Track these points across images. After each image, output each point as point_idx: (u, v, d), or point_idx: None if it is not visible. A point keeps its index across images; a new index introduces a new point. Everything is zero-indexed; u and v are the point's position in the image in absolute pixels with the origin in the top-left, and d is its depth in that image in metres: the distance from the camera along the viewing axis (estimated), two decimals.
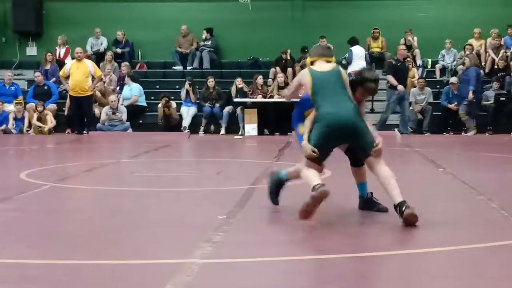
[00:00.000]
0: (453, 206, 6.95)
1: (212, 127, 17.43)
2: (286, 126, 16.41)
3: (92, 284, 4.08)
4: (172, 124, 17.26)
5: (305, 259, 4.73)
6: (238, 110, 16.96)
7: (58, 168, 10.30)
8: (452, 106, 16.86)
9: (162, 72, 19.85)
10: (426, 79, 17.98)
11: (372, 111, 17.84)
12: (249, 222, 5.81)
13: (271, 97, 17.00)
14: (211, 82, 17.51)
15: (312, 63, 6.07)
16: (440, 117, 17.18)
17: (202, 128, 17.29)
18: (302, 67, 15.49)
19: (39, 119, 16.85)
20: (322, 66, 5.99)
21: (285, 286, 4.10)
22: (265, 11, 19.84)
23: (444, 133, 16.81)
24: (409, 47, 18.87)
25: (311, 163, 5.74)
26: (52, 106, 17.43)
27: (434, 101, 17.56)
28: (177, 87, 18.34)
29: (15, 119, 17.15)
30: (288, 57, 18.36)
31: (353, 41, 17.76)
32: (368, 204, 6.19)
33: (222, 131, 17.11)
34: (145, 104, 17.85)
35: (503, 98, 17.05)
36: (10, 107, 17.29)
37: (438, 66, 18.83)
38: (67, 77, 16.55)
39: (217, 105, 17.34)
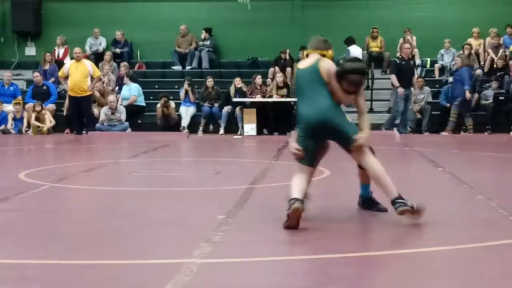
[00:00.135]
0: (453, 205, 6.95)
1: (211, 127, 17.42)
2: (285, 126, 16.43)
3: (91, 285, 4.08)
4: (171, 124, 17.25)
5: (305, 259, 4.73)
6: (237, 110, 16.96)
7: (57, 168, 10.30)
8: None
9: (161, 72, 19.85)
10: (425, 79, 17.98)
11: (371, 110, 17.84)
12: (248, 222, 5.81)
13: (270, 96, 17.00)
14: (210, 82, 17.51)
15: (308, 56, 6.02)
16: (439, 116, 17.18)
17: (201, 128, 17.29)
18: None
19: (37, 119, 16.84)
20: (305, 62, 5.90)
21: (284, 286, 4.09)
22: (264, 10, 19.85)
23: (442, 133, 16.78)
24: None
25: (301, 166, 5.71)
26: (51, 106, 17.42)
27: (433, 100, 17.56)
28: (176, 87, 18.34)
29: (14, 119, 17.14)
30: (287, 57, 18.37)
31: (350, 41, 17.76)
32: (367, 203, 6.19)
33: (221, 131, 17.11)
34: (144, 104, 17.84)
35: (502, 98, 17.06)
36: (9, 107, 17.28)
37: (437, 66, 18.84)
38: (66, 77, 16.54)
39: (216, 105, 17.33)
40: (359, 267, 4.49)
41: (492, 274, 4.28)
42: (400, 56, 16.64)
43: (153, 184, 8.38)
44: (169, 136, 15.88)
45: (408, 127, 16.57)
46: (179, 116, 17.38)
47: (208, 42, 19.69)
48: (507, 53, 18.15)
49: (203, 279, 4.15)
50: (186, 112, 17.37)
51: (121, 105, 17.28)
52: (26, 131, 16.93)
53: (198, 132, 17.18)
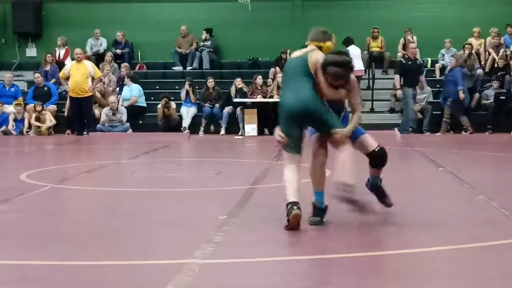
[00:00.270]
0: (454, 205, 6.95)
1: (212, 127, 17.42)
2: None
3: (93, 286, 4.08)
4: (172, 125, 17.26)
5: (306, 259, 4.73)
6: (238, 110, 16.96)
7: (58, 169, 10.30)
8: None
9: (161, 73, 19.84)
10: (426, 79, 17.97)
11: (372, 110, 17.85)
12: (249, 222, 5.81)
13: (271, 97, 16.99)
14: (210, 82, 17.51)
15: (306, 46, 6.00)
16: (440, 116, 17.16)
17: (202, 129, 17.28)
18: None
19: (37, 119, 16.84)
20: (298, 52, 5.88)
21: (285, 286, 4.10)
22: (264, 11, 19.83)
23: (437, 133, 16.76)
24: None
25: (289, 155, 5.69)
26: (52, 107, 17.42)
27: (434, 100, 17.55)
28: (176, 87, 18.34)
29: (15, 120, 17.14)
30: (288, 57, 18.35)
31: (348, 41, 17.72)
32: (375, 190, 6.12)
33: (222, 132, 17.11)
34: (145, 105, 17.84)
35: (503, 97, 17.04)
36: (10, 108, 17.28)
37: (438, 66, 18.82)
38: (67, 78, 16.54)
39: (217, 105, 17.33)
40: (360, 267, 4.50)
41: (492, 274, 4.28)
42: (406, 56, 16.61)
43: (154, 185, 8.39)
44: (170, 137, 15.89)
45: (409, 127, 16.55)
46: (180, 116, 17.38)
47: (208, 43, 19.69)
48: (508, 52, 18.15)
49: (205, 280, 4.16)
50: (187, 113, 17.37)
51: (122, 105, 17.29)
52: (27, 132, 16.94)
53: (199, 133, 17.17)
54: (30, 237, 5.36)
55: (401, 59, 16.77)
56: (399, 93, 16.32)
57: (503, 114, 16.95)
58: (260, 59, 19.64)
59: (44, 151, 14.17)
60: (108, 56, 18.94)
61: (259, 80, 17.28)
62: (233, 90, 17.44)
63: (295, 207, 5.36)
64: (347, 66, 5.67)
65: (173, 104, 17.31)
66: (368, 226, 5.80)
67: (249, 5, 19.44)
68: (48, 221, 6.07)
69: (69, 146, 14.74)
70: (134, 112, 17.43)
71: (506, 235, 5.29)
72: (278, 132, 5.71)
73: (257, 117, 16.56)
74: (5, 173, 9.79)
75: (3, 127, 16.90)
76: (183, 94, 17.53)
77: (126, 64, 18.76)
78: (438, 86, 18.21)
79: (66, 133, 16.91)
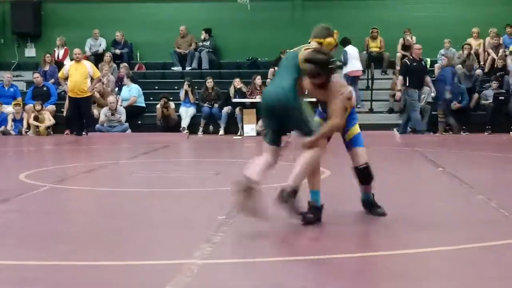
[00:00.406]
0: (452, 205, 6.95)
1: (211, 127, 17.42)
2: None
3: (92, 286, 4.08)
4: (171, 125, 17.26)
5: (305, 259, 4.73)
6: (237, 110, 16.96)
7: (57, 169, 10.30)
8: (451, 105, 16.85)
9: (161, 73, 19.84)
10: None
11: (371, 110, 17.86)
12: (248, 222, 5.80)
13: None
14: (209, 82, 17.51)
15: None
16: (439, 116, 17.16)
17: (201, 129, 17.29)
18: None
19: (36, 119, 16.83)
20: (296, 48, 5.84)
21: (284, 286, 4.10)
22: (263, 11, 19.84)
23: (443, 133, 16.77)
24: (408, 47, 18.86)
25: (264, 145, 5.74)
26: (51, 107, 17.42)
27: (433, 100, 17.54)
28: (176, 87, 18.34)
29: (13, 120, 17.13)
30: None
31: (346, 42, 17.72)
32: (369, 207, 6.11)
33: (221, 132, 17.11)
34: (144, 105, 17.84)
35: (502, 98, 17.06)
36: (8, 109, 17.28)
37: (437, 66, 18.80)
38: (66, 78, 16.54)
39: (216, 105, 17.34)
40: (359, 268, 4.50)
41: (491, 274, 4.28)
42: (411, 57, 16.61)
43: (153, 185, 8.39)
44: (169, 137, 15.89)
45: (408, 128, 16.56)
46: (179, 116, 17.38)
47: (207, 43, 19.69)
48: (507, 53, 18.15)
49: (204, 280, 4.16)
50: (186, 113, 17.38)
51: (121, 106, 17.29)
52: (26, 132, 16.94)
53: (198, 133, 17.18)
54: (30, 237, 5.37)
55: (406, 60, 16.75)
56: (398, 94, 16.35)
57: (502, 114, 16.95)
58: (259, 59, 19.64)
59: (43, 151, 14.17)
60: (107, 56, 18.94)
61: (258, 80, 17.28)
62: (232, 90, 17.45)
63: (241, 181, 5.46)
64: (321, 64, 5.55)
65: (172, 104, 17.31)
66: (367, 227, 5.81)
67: (248, 5, 19.44)
68: (47, 221, 6.07)
69: (68, 146, 14.74)
70: (133, 112, 17.43)
71: (505, 235, 5.29)
72: (260, 123, 5.79)
73: (256, 117, 16.57)
74: (4, 173, 9.79)
75: (2, 127, 16.89)
76: (182, 94, 17.53)
77: (125, 64, 18.76)
78: None
79: (65, 133, 16.91)
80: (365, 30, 19.04)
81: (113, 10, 20.37)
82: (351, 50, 17.55)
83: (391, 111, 17.86)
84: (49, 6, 20.58)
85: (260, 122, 5.88)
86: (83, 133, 16.41)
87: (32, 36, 20.70)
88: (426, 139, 15.51)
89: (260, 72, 18.13)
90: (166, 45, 19.67)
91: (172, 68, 19.77)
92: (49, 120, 16.96)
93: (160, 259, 4.59)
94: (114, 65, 18.98)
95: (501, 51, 18.23)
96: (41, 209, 6.67)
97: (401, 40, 18.88)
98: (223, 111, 17.19)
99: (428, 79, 16.66)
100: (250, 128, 16.56)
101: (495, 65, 17.99)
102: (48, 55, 18.98)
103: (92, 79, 16.44)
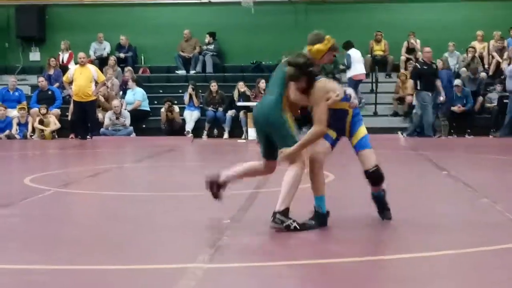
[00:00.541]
0: (457, 208, 6.94)
1: (215, 131, 17.43)
2: None
3: None
4: (175, 129, 17.27)
5: (310, 263, 4.72)
6: (241, 114, 16.96)
7: (61, 173, 10.31)
8: (455, 108, 16.83)
9: (165, 77, 19.87)
10: None
11: (375, 114, 17.83)
12: (253, 226, 5.80)
13: None
14: (214, 86, 17.53)
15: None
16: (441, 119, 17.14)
17: (205, 132, 17.29)
18: None
19: (41, 122, 16.86)
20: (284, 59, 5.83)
21: None
22: (267, 15, 19.84)
23: (449, 136, 16.73)
24: (412, 50, 18.87)
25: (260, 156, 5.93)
26: (56, 111, 17.45)
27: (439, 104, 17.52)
28: (180, 91, 18.36)
29: (18, 124, 17.16)
30: None
31: (349, 45, 17.70)
32: (379, 202, 6.03)
33: (225, 135, 17.12)
34: (148, 109, 17.87)
35: (507, 100, 17.02)
36: (13, 113, 17.31)
37: None
38: (71, 82, 16.56)
39: (220, 109, 17.35)
40: (363, 271, 4.49)
41: (496, 278, 4.27)
42: (422, 60, 16.58)
43: (157, 189, 8.39)
44: (174, 141, 15.90)
45: (416, 130, 16.48)
46: (183, 120, 17.40)
47: (212, 47, 19.71)
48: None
49: (208, 285, 4.15)
50: (190, 117, 17.39)
51: (125, 109, 17.31)
52: (31, 136, 16.96)
53: (202, 137, 17.19)
54: (34, 241, 5.37)
55: (416, 63, 16.71)
56: (409, 98, 16.23)
57: None
58: (263, 62, 19.64)
59: (48, 155, 14.18)
60: (112, 60, 18.97)
61: (262, 84, 17.27)
62: (236, 93, 17.45)
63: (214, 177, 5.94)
64: (301, 66, 5.52)
65: (176, 108, 17.33)
66: (371, 230, 5.80)
67: (252, 9, 19.45)
68: (52, 225, 6.08)
69: (72, 150, 14.75)
70: (138, 116, 17.45)
71: (510, 239, 5.28)
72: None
73: None
74: (9, 177, 9.80)
75: (7, 131, 16.92)
76: (186, 98, 17.54)
77: (130, 68, 18.78)
78: None
79: (70, 137, 16.93)
80: (368, 33, 19.04)
81: (118, 14, 20.41)
82: (354, 54, 17.52)
83: (395, 114, 17.84)
84: (54, 10, 20.62)
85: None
86: (88, 137, 16.43)
87: (37, 40, 20.74)
88: (430, 142, 15.49)
89: (264, 75, 18.10)
90: (170, 48, 19.70)
91: (176, 71, 19.80)
92: (54, 124, 16.99)
93: (164, 263, 4.59)
94: (119, 69, 19.00)
95: (505, 54, 18.19)
96: (45, 213, 6.68)
97: (405, 43, 18.87)
98: (227, 114, 17.19)
99: (438, 82, 16.55)
100: (254, 131, 16.52)
101: (502, 68, 17.95)
102: (52, 59, 19.01)
103: (96, 83, 16.46)
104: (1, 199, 7.26)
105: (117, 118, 16.87)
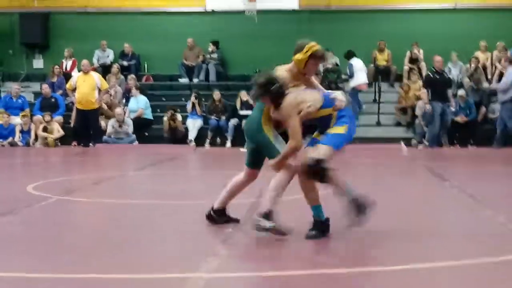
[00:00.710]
0: (460, 220, 6.92)
1: (218, 139, 17.44)
2: None
3: None
4: (178, 137, 17.28)
5: (311, 273, 4.71)
6: (244, 122, 16.94)
7: (64, 180, 10.31)
8: (458, 118, 16.81)
9: (168, 85, 19.89)
10: None
11: (378, 123, 17.83)
12: (255, 235, 5.79)
13: None
14: (217, 95, 17.55)
15: None
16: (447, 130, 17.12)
17: (208, 141, 17.30)
18: None
19: (44, 130, 16.87)
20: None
21: None
22: (271, 24, 19.86)
23: (451, 146, 16.72)
24: (415, 60, 18.87)
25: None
26: (59, 118, 17.46)
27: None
28: (183, 99, 18.38)
29: (21, 131, 17.18)
30: None
31: (351, 54, 17.72)
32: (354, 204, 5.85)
33: (228, 144, 17.12)
34: (151, 117, 17.88)
35: None
36: (16, 120, 17.33)
37: None
38: (74, 90, 16.58)
39: (223, 117, 17.36)
40: (365, 283, 4.48)
41: None
42: (434, 69, 16.58)
43: (160, 197, 8.38)
44: (176, 149, 15.90)
45: (425, 141, 16.42)
46: (186, 129, 17.41)
47: (215, 55, 19.74)
48: None
49: None
50: (193, 125, 17.40)
51: (128, 117, 17.32)
52: (34, 143, 16.97)
53: (205, 145, 17.19)
54: (36, 249, 5.37)
55: (429, 72, 16.70)
56: (427, 107, 16.17)
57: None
58: None
59: (51, 162, 14.19)
60: (115, 67, 19.00)
61: None
62: (238, 102, 17.46)
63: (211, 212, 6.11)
64: (260, 86, 5.57)
65: (179, 116, 17.34)
66: (370, 240, 5.78)
67: (255, 17, 19.47)
68: (54, 233, 6.08)
69: (75, 157, 14.76)
70: (140, 124, 17.46)
71: None
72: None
73: None
74: (12, 184, 9.80)
75: (10, 139, 16.93)
76: (189, 107, 17.56)
77: (133, 76, 18.81)
78: None
79: (73, 144, 16.94)
80: (372, 43, 19.06)
81: (121, 22, 20.45)
82: (356, 63, 17.55)
83: (398, 124, 17.84)
84: (57, 18, 20.67)
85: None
86: (90, 144, 16.44)
87: (40, 47, 20.79)
88: (432, 152, 15.47)
89: None
90: (173, 57, 19.72)
91: (180, 80, 19.82)
92: (57, 131, 17.00)
93: (166, 272, 4.58)
94: (122, 76, 19.03)
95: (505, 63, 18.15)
96: (48, 221, 6.68)
97: (408, 53, 18.88)
98: (230, 123, 17.20)
99: (449, 93, 16.47)
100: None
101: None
102: (56, 66, 19.05)
103: (99, 90, 16.48)
104: (4, 207, 7.26)
105: (120, 126, 16.89)
